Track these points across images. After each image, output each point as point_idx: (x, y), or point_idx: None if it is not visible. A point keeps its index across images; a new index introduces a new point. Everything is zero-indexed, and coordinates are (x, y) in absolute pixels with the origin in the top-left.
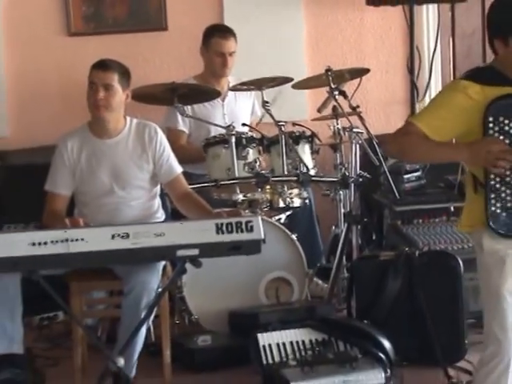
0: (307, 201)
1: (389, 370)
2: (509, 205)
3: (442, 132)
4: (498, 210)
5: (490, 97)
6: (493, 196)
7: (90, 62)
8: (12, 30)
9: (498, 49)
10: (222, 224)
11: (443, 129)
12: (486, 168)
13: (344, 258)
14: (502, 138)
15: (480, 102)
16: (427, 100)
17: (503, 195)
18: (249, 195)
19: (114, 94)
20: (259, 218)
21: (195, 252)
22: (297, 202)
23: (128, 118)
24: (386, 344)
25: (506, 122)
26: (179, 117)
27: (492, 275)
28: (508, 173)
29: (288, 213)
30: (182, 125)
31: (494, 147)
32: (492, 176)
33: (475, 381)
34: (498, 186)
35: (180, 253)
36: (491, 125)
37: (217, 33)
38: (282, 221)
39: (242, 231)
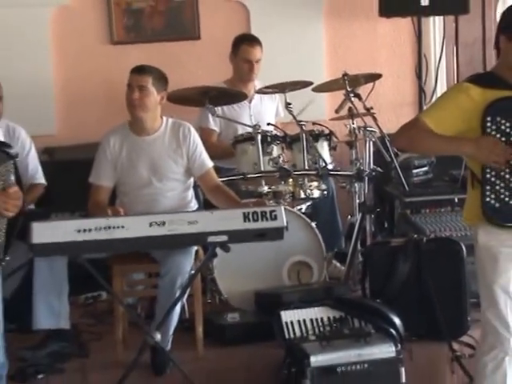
0: (326, 192)
1: (399, 345)
2: (502, 197)
3: (445, 128)
4: (493, 201)
5: (490, 99)
6: (488, 188)
7: (131, 67)
8: (60, 38)
9: (501, 45)
10: (248, 213)
11: (446, 125)
12: (485, 163)
13: (359, 243)
14: (498, 135)
15: (480, 103)
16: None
17: (498, 188)
18: (273, 187)
19: (148, 95)
20: (282, 207)
21: (224, 238)
22: (316, 194)
23: (164, 118)
24: (397, 321)
25: (503, 121)
26: (210, 117)
27: (486, 270)
28: (503, 167)
29: (308, 203)
30: (213, 124)
31: (496, 147)
32: (488, 170)
33: (476, 369)
34: (493, 179)
35: (211, 239)
36: (489, 124)
37: (245, 42)
38: (303, 210)
39: (266, 219)
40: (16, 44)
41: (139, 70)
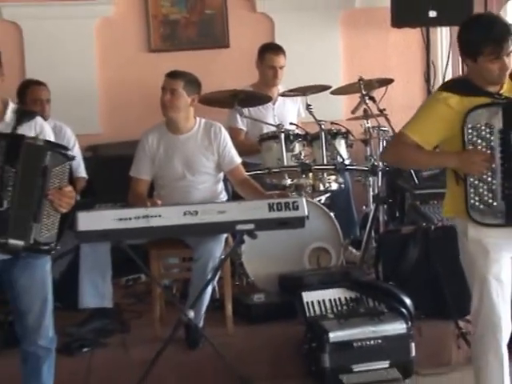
0: (343, 185)
1: (409, 322)
2: (485, 198)
3: (429, 138)
4: (477, 203)
5: (468, 106)
6: (472, 191)
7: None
8: (103, 47)
9: (468, 65)
10: (273, 203)
11: (429, 136)
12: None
13: (373, 231)
14: (479, 141)
15: (460, 111)
16: None
17: (481, 190)
18: (295, 180)
19: (179, 98)
20: (304, 199)
21: (251, 226)
22: (334, 186)
23: (198, 118)
24: (407, 301)
25: (483, 128)
26: (238, 117)
27: (477, 263)
28: (485, 171)
29: (327, 195)
30: (241, 124)
31: (477, 158)
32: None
33: (473, 356)
34: (476, 182)
35: (239, 227)
36: (470, 130)
37: (270, 50)
38: (323, 201)
39: (289, 209)
40: (64, 52)
41: (172, 75)
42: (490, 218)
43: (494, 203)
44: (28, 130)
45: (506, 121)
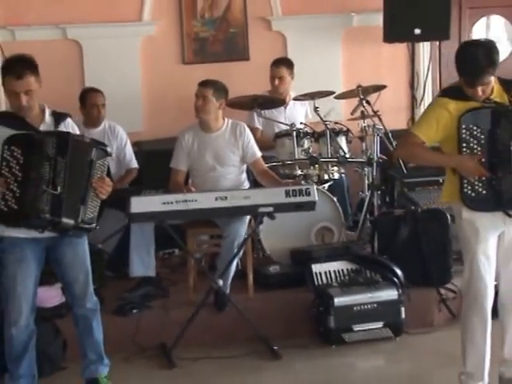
0: (343, 175)
1: (400, 290)
2: (476, 188)
3: (431, 137)
4: (469, 192)
5: (462, 109)
6: (465, 181)
7: (197, 82)
8: (146, 59)
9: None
10: (289, 190)
11: (432, 135)
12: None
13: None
14: (471, 139)
15: (455, 115)
16: (422, 107)
17: (472, 181)
18: (304, 171)
19: (208, 102)
20: (314, 186)
21: (271, 209)
22: (336, 176)
23: (225, 119)
24: (398, 272)
25: (475, 128)
26: (256, 118)
27: (470, 241)
28: (486, 172)
29: (330, 183)
30: (258, 124)
31: (471, 164)
32: None
33: (461, 319)
34: None
35: (261, 209)
36: (464, 130)
37: (273, 63)
38: (326, 188)
39: (302, 195)
40: (115, 64)
41: (203, 84)
42: (480, 204)
43: (483, 192)
44: (64, 128)
45: (494, 122)
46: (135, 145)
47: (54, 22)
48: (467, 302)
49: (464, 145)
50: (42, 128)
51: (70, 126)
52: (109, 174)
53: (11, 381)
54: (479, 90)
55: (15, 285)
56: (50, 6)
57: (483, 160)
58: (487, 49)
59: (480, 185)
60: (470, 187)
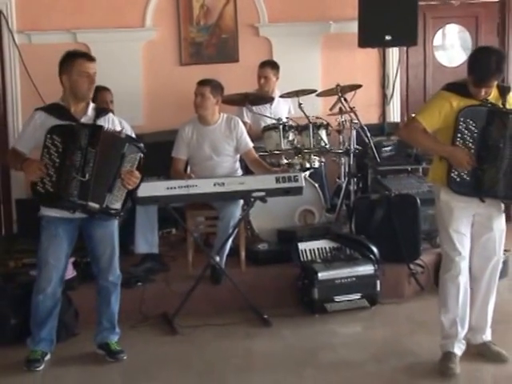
0: (323, 163)
1: (376, 265)
2: (462, 174)
3: (432, 124)
4: (455, 177)
5: (462, 105)
6: (453, 167)
7: (193, 81)
8: (147, 62)
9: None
10: (279, 177)
11: (433, 123)
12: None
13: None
14: (466, 131)
15: (456, 108)
16: (391, 104)
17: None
18: (289, 160)
19: (207, 100)
20: (302, 174)
21: (263, 194)
22: (317, 164)
23: (221, 114)
24: (374, 249)
25: (471, 122)
26: (245, 113)
27: (445, 218)
28: (474, 163)
29: (311, 170)
30: (247, 118)
31: (462, 155)
32: None
33: (439, 285)
34: None
35: (254, 194)
36: (461, 123)
37: (260, 65)
38: (307, 175)
39: (291, 181)
40: (119, 66)
41: (201, 83)
42: (462, 188)
43: (468, 179)
44: (103, 122)
45: (488, 120)
46: (137, 137)
47: (65, 28)
48: (443, 269)
49: (459, 135)
50: (83, 120)
51: (111, 121)
52: (139, 168)
53: (32, 343)
54: (483, 90)
55: (47, 256)
56: (63, 13)
57: (472, 151)
58: (499, 57)
59: (466, 172)
60: (456, 173)
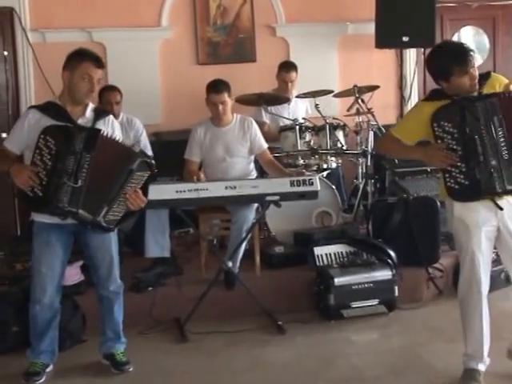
0: (340, 164)
1: (394, 270)
2: (458, 180)
3: (410, 137)
4: (453, 185)
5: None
6: (447, 175)
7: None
8: (164, 61)
9: (442, 85)
10: (293, 180)
11: (410, 135)
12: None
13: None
14: (445, 135)
15: (431, 114)
16: (409, 105)
17: (454, 174)
18: (306, 161)
19: (227, 104)
20: (317, 177)
21: (277, 198)
22: (334, 165)
23: (234, 114)
24: (392, 254)
25: (446, 124)
26: (263, 113)
27: (462, 238)
28: (454, 157)
29: (328, 171)
30: (265, 118)
31: (435, 152)
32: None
33: (460, 306)
34: (449, 168)
35: (267, 198)
36: (436, 128)
37: (284, 69)
38: (324, 176)
39: (306, 185)
40: (136, 65)
41: (217, 90)
42: (463, 195)
43: (466, 183)
44: (103, 124)
45: (461, 116)
46: (155, 135)
47: (80, 26)
48: (463, 295)
49: (439, 141)
50: (81, 122)
51: (110, 124)
52: (145, 186)
53: (32, 355)
54: (467, 79)
55: (40, 265)
56: (78, 11)
57: (459, 153)
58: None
59: (462, 176)
60: (452, 180)
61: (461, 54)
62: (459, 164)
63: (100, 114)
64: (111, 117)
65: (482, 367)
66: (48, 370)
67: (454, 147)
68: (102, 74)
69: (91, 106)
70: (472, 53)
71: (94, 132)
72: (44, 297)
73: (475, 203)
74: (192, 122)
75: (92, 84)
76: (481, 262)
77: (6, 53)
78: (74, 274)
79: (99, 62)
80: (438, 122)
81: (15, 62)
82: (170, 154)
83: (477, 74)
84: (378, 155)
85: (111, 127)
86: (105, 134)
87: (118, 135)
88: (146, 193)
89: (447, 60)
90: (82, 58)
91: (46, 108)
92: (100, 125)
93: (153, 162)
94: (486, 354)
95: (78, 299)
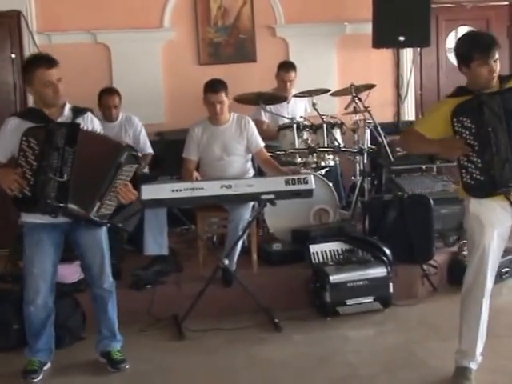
0: (338, 162)
1: (389, 267)
2: (474, 175)
3: (433, 133)
4: (469, 181)
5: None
6: (464, 171)
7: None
8: (167, 61)
9: (464, 73)
10: (289, 179)
11: (433, 131)
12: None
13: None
14: (463, 130)
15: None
16: (405, 103)
17: (470, 170)
18: (304, 159)
19: (225, 104)
20: (312, 175)
21: (272, 196)
22: (331, 163)
23: (231, 113)
24: (387, 251)
25: (465, 119)
26: (262, 112)
27: (474, 234)
28: (471, 153)
29: (326, 169)
30: (264, 117)
31: (451, 143)
32: (461, 157)
33: (460, 302)
34: (465, 163)
35: (263, 197)
36: (456, 123)
37: (283, 69)
38: (322, 173)
39: (301, 183)
40: (139, 66)
41: (214, 90)
42: (480, 190)
43: (482, 178)
44: (82, 121)
45: (479, 111)
46: (158, 134)
47: (85, 28)
48: (467, 288)
49: (458, 136)
50: (60, 121)
51: (90, 120)
52: (135, 178)
53: (30, 354)
54: (486, 70)
55: (32, 266)
56: (82, 13)
57: (476, 148)
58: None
59: (478, 172)
60: (468, 176)
61: (485, 43)
62: (475, 159)
63: (78, 112)
64: (89, 114)
65: (473, 365)
66: (46, 367)
67: (472, 142)
68: (57, 72)
69: (68, 105)
70: (496, 46)
71: (74, 126)
72: (38, 298)
73: (491, 202)
74: (194, 121)
75: (54, 86)
76: (490, 259)
77: (13, 55)
78: (74, 272)
79: (50, 62)
80: (458, 117)
81: (23, 63)
82: (173, 153)
83: (497, 68)
84: (375, 152)
85: (91, 123)
86: (84, 127)
87: (99, 130)
88: (136, 186)
89: (471, 45)
90: (33, 68)
91: (25, 113)
92: (79, 121)
93: (139, 154)
94: (478, 352)
95: (79, 297)
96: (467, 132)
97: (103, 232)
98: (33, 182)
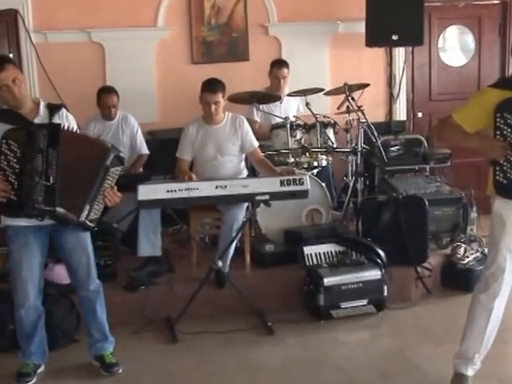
0: (330, 162)
1: (383, 270)
2: (508, 175)
3: (471, 124)
4: (501, 179)
5: (501, 98)
6: (498, 169)
7: (204, 79)
8: (160, 60)
9: None
10: (284, 180)
11: (471, 121)
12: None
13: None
14: (505, 127)
15: (496, 103)
16: (398, 103)
17: (505, 168)
18: (296, 159)
19: (220, 105)
20: (307, 176)
21: (267, 197)
22: (324, 163)
23: (226, 112)
24: (381, 253)
25: (509, 116)
26: (255, 111)
27: (496, 232)
28: (509, 152)
29: (318, 169)
30: (256, 117)
31: (491, 142)
32: None
33: (471, 303)
34: (501, 161)
35: (257, 197)
36: (498, 119)
37: (276, 65)
38: (315, 173)
39: (296, 184)
40: (133, 64)
41: (212, 90)
42: (510, 191)
43: None
44: (58, 119)
45: None
46: (150, 133)
47: (80, 27)
48: (477, 287)
49: (498, 132)
50: (37, 121)
51: (65, 116)
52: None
53: (23, 357)
54: None
55: (20, 269)
56: (78, 12)
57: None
58: None
59: (510, 170)
60: (501, 174)
61: None
62: None
63: (53, 109)
64: (64, 110)
65: (470, 372)
66: (40, 370)
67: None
68: (11, 73)
69: (43, 103)
70: None
71: (55, 127)
72: (28, 300)
73: None
74: (187, 120)
75: (9, 89)
76: (508, 261)
77: (11, 55)
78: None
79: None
80: (502, 112)
81: (20, 62)
82: (166, 152)
83: None
84: (368, 153)
85: (66, 120)
86: (65, 127)
87: (75, 127)
88: (118, 187)
89: None
90: None
91: (1, 116)
92: (56, 119)
93: (122, 155)
94: (478, 356)
95: (75, 298)
96: (509, 130)
97: (87, 234)
98: (17, 185)
